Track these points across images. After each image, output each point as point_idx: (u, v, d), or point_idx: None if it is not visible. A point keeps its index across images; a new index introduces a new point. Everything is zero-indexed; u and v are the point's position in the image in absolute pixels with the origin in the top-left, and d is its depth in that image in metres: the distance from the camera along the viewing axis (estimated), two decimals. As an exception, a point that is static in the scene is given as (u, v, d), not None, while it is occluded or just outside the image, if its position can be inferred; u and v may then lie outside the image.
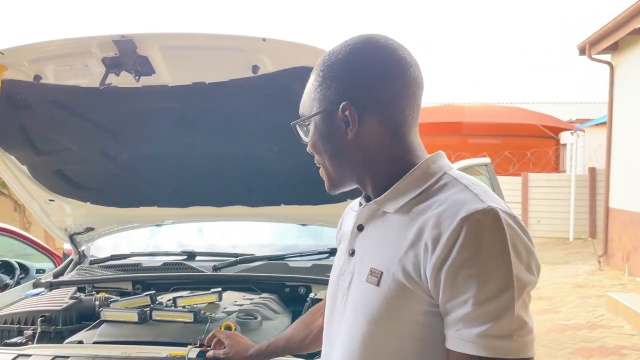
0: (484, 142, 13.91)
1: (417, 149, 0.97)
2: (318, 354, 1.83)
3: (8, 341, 2.01)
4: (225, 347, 1.59)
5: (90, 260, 2.82)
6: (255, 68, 1.80)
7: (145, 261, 2.71)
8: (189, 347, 1.73)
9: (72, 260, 2.86)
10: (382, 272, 0.89)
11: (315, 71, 1.00)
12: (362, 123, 0.94)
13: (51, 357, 1.71)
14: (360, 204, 1.02)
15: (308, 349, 1.45)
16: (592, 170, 12.57)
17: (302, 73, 1.80)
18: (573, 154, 13.29)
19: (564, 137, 14.92)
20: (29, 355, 1.74)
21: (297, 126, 1.04)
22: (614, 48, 9.05)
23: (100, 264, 2.73)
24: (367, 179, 0.98)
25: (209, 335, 1.66)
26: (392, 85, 0.93)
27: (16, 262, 5.09)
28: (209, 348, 1.67)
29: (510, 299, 0.79)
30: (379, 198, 0.95)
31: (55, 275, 2.73)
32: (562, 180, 12.75)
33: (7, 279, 4.89)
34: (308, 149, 1.03)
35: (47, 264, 5.30)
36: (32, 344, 1.98)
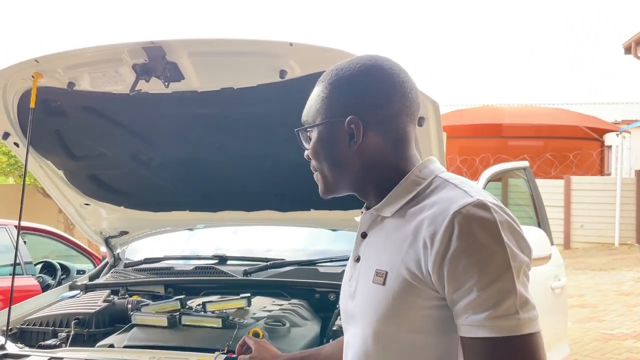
0: (525, 144, 13.61)
1: (414, 159, 1.04)
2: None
3: (43, 343, 2.06)
4: (252, 353, 1.57)
5: (125, 263, 2.87)
6: (282, 73, 1.79)
7: (178, 265, 2.74)
8: (216, 353, 1.73)
9: (107, 263, 2.92)
10: (386, 272, 0.94)
11: (323, 83, 1.06)
12: (365, 136, 1.00)
13: (82, 361, 1.73)
14: (362, 213, 1.08)
15: None
16: (639, 173, 12.11)
17: (330, 77, 1.79)
18: (618, 156, 12.82)
19: (609, 138, 14.42)
20: (61, 359, 1.77)
21: (299, 133, 1.09)
22: (661, 46, 8.72)
23: (134, 267, 2.77)
24: (368, 188, 1.04)
25: (240, 342, 1.65)
26: (396, 104, 1.01)
27: (58, 263, 5.26)
28: (234, 355, 1.66)
29: (510, 280, 0.85)
30: (377, 205, 1.02)
31: (91, 278, 2.78)
32: (606, 184, 12.32)
33: (49, 279, 5.05)
34: (307, 154, 1.09)
35: (87, 265, 5.45)
36: (66, 346, 2.02)
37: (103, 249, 3.81)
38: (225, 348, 1.77)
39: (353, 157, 1.01)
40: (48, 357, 1.77)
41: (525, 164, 3.76)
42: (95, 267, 5.31)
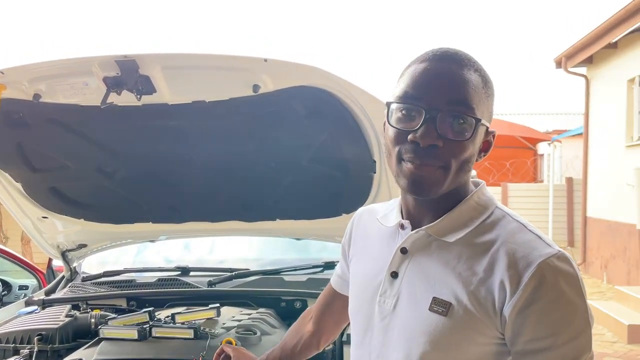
0: (464, 153, 14.03)
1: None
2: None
3: (4, 361, 2.00)
4: None
5: (83, 277, 2.81)
6: (256, 87, 1.83)
7: (139, 277, 2.71)
8: (192, 363, 1.74)
9: (63, 277, 2.84)
10: (450, 304, 0.90)
11: (479, 74, 0.94)
12: None
13: (53, 377, 1.70)
14: (403, 226, 1.01)
15: (301, 356, 1.44)
16: (569, 180, 12.84)
17: (302, 92, 1.86)
18: (550, 164, 13.54)
19: (542, 147, 15.20)
20: (28, 376, 1.73)
21: (465, 117, 0.90)
22: (589, 61, 9.32)
23: (92, 281, 2.71)
24: (442, 199, 0.96)
25: (217, 350, 1.67)
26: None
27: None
28: (211, 364, 1.69)
29: (588, 338, 0.87)
30: (432, 225, 0.96)
31: (47, 293, 2.71)
32: (540, 190, 12.98)
33: (-12, 296, 4.80)
34: (441, 140, 0.90)
35: (29, 280, 5.22)
36: (29, 363, 1.97)
37: (56, 262, 3.71)
38: (200, 358, 1.79)
39: (471, 167, 0.95)
40: (15, 375, 1.73)
41: (472, 173, 3.94)
42: (39, 281, 5.11)
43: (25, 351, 2.04)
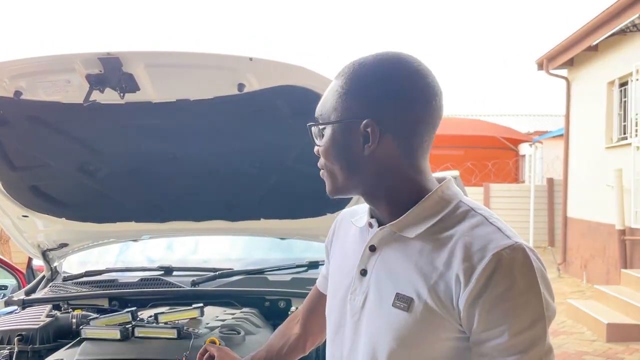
0: (447, 153, 14.21)
1: (427, 173, 0.99)
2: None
3: (-17, 362, 1.96)
4: None
5: (64, 276, 2.78)
6: (241, 86, 1.83)
7: (121, 277, 2.68)
8: (176, 363, 1.73)
9: (44, 276, 2.80)
10: (411, 299, 0.91)
11: (342, 78, 0.97)
12: (380, 141, 0.94)
13: (33, 378, 1.68)
14: (371, 224, 1.03)
15: (287, 358, 1.44)
16: (550, 181, 13.02)
17: (287, 91, 1.86)
18: (532, 165, 13.71)
19: (523, 148, 15.39)
20: (9, 376, 1.70)
21: (311, 128, 1.01)
22: (570, 63, 9.45)
23: (73, 281, 2.68)
24: (379, 194, 0.99)
25: (200, 350, 1.66)
26: (418, 111, 0.95)
27: (-27, 279, 4.92)
28: (195, 364, 1.68)
29: (543, 328, 0.86)
30: (395, 222, 0.97)
31: (27, 293, 2.67)
32: (521, 191, 13.14)
33: (-38, 296, 4.72)
34: (317, 151, 1.02)
35: (9, 280, 5.14)
36: (9, 364, 1.94)
37: (36, 261, 3.66)
38: (184, 358, 1.78)
39: (366, 161, 0.95)
40: (-5, 376, 1.70)
41: (456, 173, 3.99)
42: (19, 281, 5.04)
43: (5, 352, 2.01)
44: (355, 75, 0.96)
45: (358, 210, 1.16)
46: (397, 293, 0.93)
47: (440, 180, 1.02)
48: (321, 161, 1.02)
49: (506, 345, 0.85)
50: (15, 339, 2.04)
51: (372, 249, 1.01)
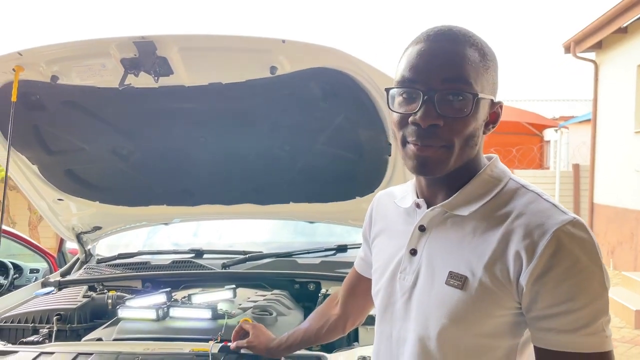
0: (470, 139, 13.99)
1: (480, 151, 0.99)
2: (336, 345, 1.88)
3: (25, 340, 2.02)
4: (249, 338, 1.63)
5: (97, 259, 2.84)
6: (273, 69, 1.83)
7: (153, 259, 2.73)
8: (211, 342, 1.76)
9: (78, 259, 2.87)
10: (466, 277, 0.92)
11: (475, 49, 0.93)
12: None
13: (74, 355, 1.73)
14: (418, 205, 1.03)
15: (325, 338, 1.48)
16: (576, 167, 12.79)
17: (319, 73, 1.85)
18: (557, 151, 13.49)
19: (548, 134, 15.13)
20: (51, 353, 1.75)
21: (461, 93, 0.91)
22: (598, 46, 9.23)
23: (107, 263, 2.74)
24: (454, 176, 0.97)
25: (236, 328, 1.69)
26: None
27: (10, 262, 5.06)
28: (229, 343, 1.71)
29: (605, 301, 0.88)
30: (447, 201, 0.97)
31: (63, 275, 2.74)
32: (546, 177, 12.95)
33: (0, 279, 4.86)
34: (439, 120, 0.91)
35: (40, 264, 5.27)
36: (49, 342, 1.99)
37: (69, 244, 3.74)
38: (219, 337, 1.81)
39: (480, 141, 0.95)
40: (38, 352, 1.75)
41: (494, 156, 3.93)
42: (50, 265, 5.16)
43: (45, 330, 2.07)
44: (486, 51, 0.95)
45: (395, 192, 1.16)
46: (450, 271, 0.94)
47: (488, 158, 1.02)
48: (444, 133, 0.91)
49: (572, 319, 0.87)
50: (54, 318, 2.10)
51: (422, 229, 1.01)
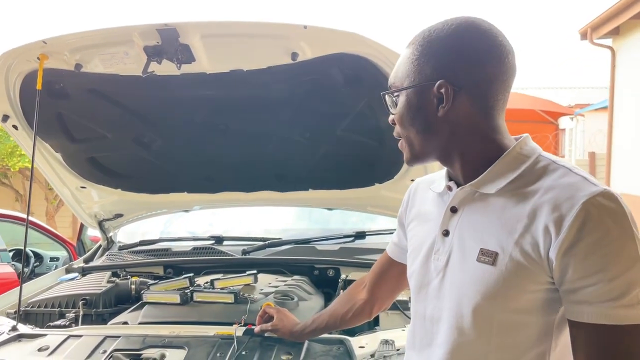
0: (484, 127, 13.91)
1: (505, 131, 1.00)
2: (357, 329, 1.90)
3: (52, 324, 2.07)
4: (273, 321, 1.66)
5: (119, 246, 2.88)
6: (294, 55, 1.83)
7: (174, 246, 2.77)
8: (235, 325, 1.79)
9: (100, 246, 2.92)
10: (496, 253, 0.93)
11: (413, 45, 1.00)
12: (455, 102, 0.95)
13: (102, 337, 1.76)
14: (449, 187, 1.05)
15: (351, 323, 1.49)
16: (592, 155, 12.66)
17: (341, 59, 1.86)
18: (573, 139, 13.36)
19: (563, 122, 14.97)
20: (80, 336, 1.79)
21: (385, 97, 1.04)
22: (615, 32, 9.10)
23: (129, 250, 2.78)
24: (455, 157, 1.01)
25: (259, 312, 1.72)
26: (491, 69, 0.95)
27: (31, 250, 5.15)
28: (253, 326, 1.74)
29: (638, 271, 0.86)
30: (475, 180, 0.98)
31: (86, 261, 2.78)
32: (562, 165, 12.81)
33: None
34: (392, 120, 1.05)
35: (60, 252, 5.35)
36: (76, 326, 2.04)
37: (90, 232, 3.80)
38: (242, 320, 1.84)
39: (441, 123, 0.97)
40: (66, 335, 1.79)
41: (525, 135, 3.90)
42: (69, 253, 5.24)
43: (71, 315, 2.12)
44: (425, 40, 0.98)
45: (435, 178, 1.18)
46: (481, 248, 0.95)
47: (517, 137, 1.02)
48: (397, 130, 1.05)
49: (604, 291, 0.86)
50: (80, 303, 2.14)
51: (454, 210, 1.03)
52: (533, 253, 0.90)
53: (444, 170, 1.12)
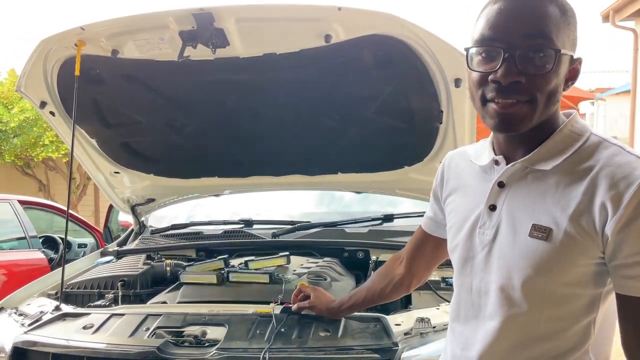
0: (503, 113, 13.79)
1: (558, 109, 1.01)
2: (391, 308, 1.94)
3: (92, 304, 2.13)
4: (310, 299, 1.69)
5: (151, 230, 2.94)
6: (328, 37, 1.85)
7: (205, 230, 2.82)
8: (272, 304, 1.83)
9: (132, 230, 2.98)
10: (550, 229, 0.95)
11: (554, 4, 0.95)
12: None
13: (144, 316, 1.81)
14: (497, 162, 1.05)
15: (389, 297, 1.52)
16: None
17: (374, 41, 1.87)
18: (594, 124, 13.20)
19: (584, 106, 14.78)
20: (122, 315, 1.85)
21: (546, 51, 0.93)
22: (638, 15, 8.94)
23: (161, 234, 2.84)
24: (535, 131, 0.99)
25: (295, 291, 1.76)
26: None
27: (59, 237, 5.27)
28: (290, 305, 1.78)
29: None
30: (528, 157, 1.00)
31: (120, 245, 2.85)
32: (583, 150, 12.68)
33: (51, 254, 5.07)
34: (522, 78, 0.94)
35: (88, 239, 5.47)
36: (115, 306, 2.10)
37: (121, 217, 3.88)
38: (279, 300, 1.88)
39: (560, 96, 0.97)
40: (109, 314, 1.85)
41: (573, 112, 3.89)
42: (97, 240, 5.34)
43: (110, 295, 2.18)
44: (567, 7, 0.97)
45: (468, 151, 1.18)
46: (533, 224, 0.97)
47: (566, 115, 1.03)
48: (526, 89, 0.94)
49: None
50: (119, 284, 2.20)
51: (501, 185, 1.03)
52: (588, 229, 0.92)
53: (483, 143, 1.13)
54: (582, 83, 16.49)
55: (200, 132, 2.42)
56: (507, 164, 1.03)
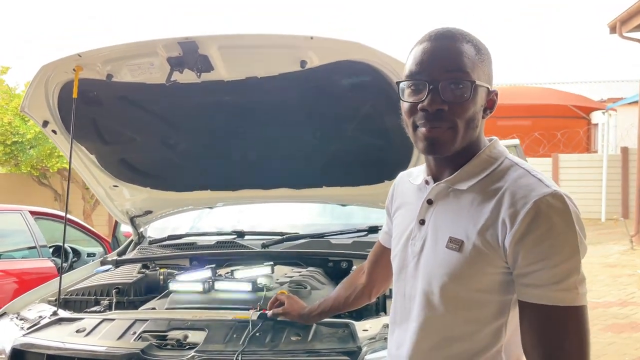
0: (514, 123, 13.85)
1: (482, 134, 1.16)
2: (364, 314, 2.06)
3: (88, 310, 2.29)
4: (284, 306, 1.83)
5: (149, 240, 3.09)
6: (303, 63, 2.00)
7: (199, 240, 2.97)
8: (251, 310, 1.97)
9: (132, 241, 3.14)
10: (462, 241, 1.08)
11: (471, 44, 1.10)
12: None
13: (132, 321, 1.96)
14: (427, 182, 1.19)
15: (353, 305, 1.65)
16: (625, 150, 12.45)
17: (345, 66, 2.02)
18: (605, 134, 13.15)
19: (595, 116, 14.75)
20: (112, 320, 1.99)
21: (461, 81, 1.07)
22: (645, 26, 8.95)
23: (158, 244, 2.99)
24: (460, 155, 1.12)
25: (271, 299, 1.89)
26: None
27: (69, 246, 5.46)
28: (267, 311, 1.91)
29: (577, 262, 1.02)
30: (450, 177, 1.13)
31: (119, 254, 3.01)
32: (593, 161, 12.66)
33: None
34: (445, 105, 1.06)
35: (97, 249, 5.65)
36: (109, 311, 2.24)
37: (123, 228, 4.05)
38: (258, 306, 2.01)
39: (480, 123, 1.11)
40: (101, 319, 2.00)
41: (516, 141, 4.02)
42: (105, 249, 5.52)
43: (105, 302, 2.33)
44: (480, 46, 1.12)
45: (413, 172, 1.33)
46: (450, 237, 1.10)
47: (489, 140, 1.18)
48: (445, 115, 1.07)
49: (548, 275, 1.01)
50: (114, 291, 2.35)
51: (430, 202, 1.17)
52: (492, 242, 1.06)
53: (423, 165, 1.27)
54: (594, 93, 16.49)
55: (193, 149, 2.58)
56: (434, 183, 1.17)
